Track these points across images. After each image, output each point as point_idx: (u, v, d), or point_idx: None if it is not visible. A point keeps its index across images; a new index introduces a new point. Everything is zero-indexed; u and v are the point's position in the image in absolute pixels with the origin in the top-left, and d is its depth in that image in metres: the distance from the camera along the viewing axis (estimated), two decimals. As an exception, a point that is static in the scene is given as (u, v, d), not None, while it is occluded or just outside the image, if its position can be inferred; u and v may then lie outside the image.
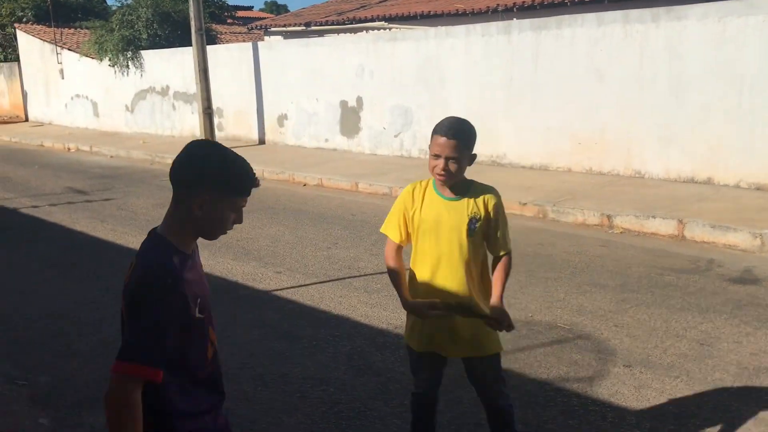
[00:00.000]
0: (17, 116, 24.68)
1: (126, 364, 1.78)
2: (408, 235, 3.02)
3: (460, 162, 2.82)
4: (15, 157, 15.91)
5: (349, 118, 13.26)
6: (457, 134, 2.81)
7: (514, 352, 4.58)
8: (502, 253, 2.98)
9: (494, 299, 2.93)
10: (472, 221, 2.88)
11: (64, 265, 7.09)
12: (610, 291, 5.62)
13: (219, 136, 15.22)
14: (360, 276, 6.28)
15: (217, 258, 6.97)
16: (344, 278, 6.24)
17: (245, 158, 2.08)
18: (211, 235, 2.05)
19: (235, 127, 15.80)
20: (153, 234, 1.99)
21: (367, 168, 11.31)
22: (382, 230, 3.10)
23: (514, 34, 10.56)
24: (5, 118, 24.70)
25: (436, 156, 2.84)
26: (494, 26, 10.85)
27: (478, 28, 11.04)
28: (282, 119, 14.67)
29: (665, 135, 9.18)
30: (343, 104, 13.31)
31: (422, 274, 2.99)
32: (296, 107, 14.31)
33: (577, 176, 9.83)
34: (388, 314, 5.32)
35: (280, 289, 6.03)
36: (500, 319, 2.87)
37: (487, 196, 2.92)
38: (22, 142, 18.67)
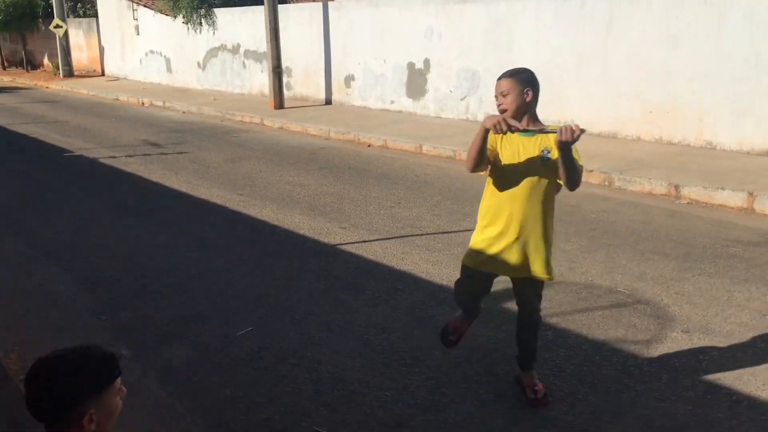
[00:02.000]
0: (94, 70, 25.52)
1: None
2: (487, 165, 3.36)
3: (511, 95, 3.21)
4: (93, 109, 16.53)
5: (416, 80, 13.28)
6: (505, 74, 3.27)
7: (572, 313, 4.66)
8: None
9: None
10: (544, 152, 3.24)
11: (140, 212, 7.45)
12: (672, 260, 5.61)
13: (287, 95, 15.45)
14: (422, 235, 6.42)
15: (285, 213, 7.21)
16: (407, 236, 6.39)
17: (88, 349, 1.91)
18: (109, 430, 1.88)
19: (302, 87, 16.02)
20: None
21: (432, 131, 11.37)
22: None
23: (587, -2, 10.36)
24: (83, 72, 25.58)
25: (496, 97, 3.29)
26: (567, -10, 10.65)
27: (551, -9, 10.87)
28: (349, 80, 14.80)
29: (741, 106, 8.92)
30: (410, 66, 13.33)
31: (494, 201, 3.43)
32: (363, 68, 14.39)
33: (646, 145, 9.67)
34: (449, 272, 5.45)
35: (345, 244, 6.23)
36: (571, 131, 3.05)
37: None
38: (99, 96, 19.35)
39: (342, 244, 6.22)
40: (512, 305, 4.80)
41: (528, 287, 3.52)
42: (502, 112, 3.23)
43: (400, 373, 3.97)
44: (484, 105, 11.87)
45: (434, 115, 12.81)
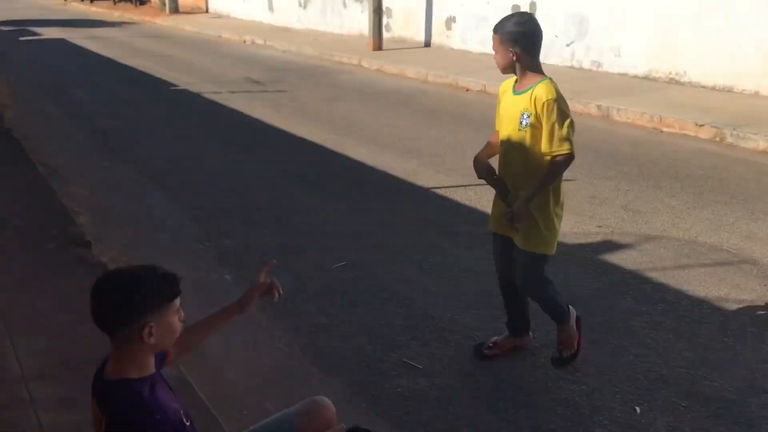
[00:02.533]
0: (199, 7, 26.06)
1: None
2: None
3: (498, 54, 3.10)
4: (197, 45, 16.96)
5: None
6: (495, 28, 3.10)
7: (672, 269, 4.53)
8: (548, 155, 3.06)
9: (521, 197, 3.13)
10: (523, 116, 3.08)
11: (243, 147, 7.68)
12: (785, 221, 5.34)
13: (386, 36, 15.35)
14: (519, 182, 6.33)
15: (380, 154, 7.26)
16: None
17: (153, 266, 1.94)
18: (167, 346, 1.97)
19: (402, 28, 15.85)
20: (116, 383, 1.85)
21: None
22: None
23: (711, -60, 9.70)
24: (188, 9, 26.17)
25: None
26: (689, -69, 9.99)
27: (671, -68, 10.22)
28: (450, 22, 14.53)
29: None
30: (515, 9, 12.93)
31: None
32: (465, 10, 14.08)
33: (764, 100, 9.10)
34: (546, 220, 5.38)
35: (440, 188, 6.23)
36: (512, 214, 3.12)
37: (537, 95, 3.03)
38: (203, 32, 19.79)
39: (436, 188, 6.23)
40: (609, 255, 4.72)
41: (517, 251, 3.29)
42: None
43: (492, 315, 3.99)
44: (591, 52, 11.43)
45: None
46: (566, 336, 3.40)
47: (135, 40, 17.71)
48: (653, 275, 4.44)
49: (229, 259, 4.79)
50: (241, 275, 4.54)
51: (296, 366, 3.58)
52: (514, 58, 3.08)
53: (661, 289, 4.27)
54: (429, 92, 10.82)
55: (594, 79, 10.74)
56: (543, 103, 3.01)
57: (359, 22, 17.01)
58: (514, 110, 3.13)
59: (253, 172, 6.73)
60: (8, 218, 5.04)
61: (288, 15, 20.15)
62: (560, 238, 4.96)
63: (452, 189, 6.17)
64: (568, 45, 11.95)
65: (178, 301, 1.91)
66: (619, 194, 5.95)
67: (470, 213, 5.59)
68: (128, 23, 22.70)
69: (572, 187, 6.14)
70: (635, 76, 10.70)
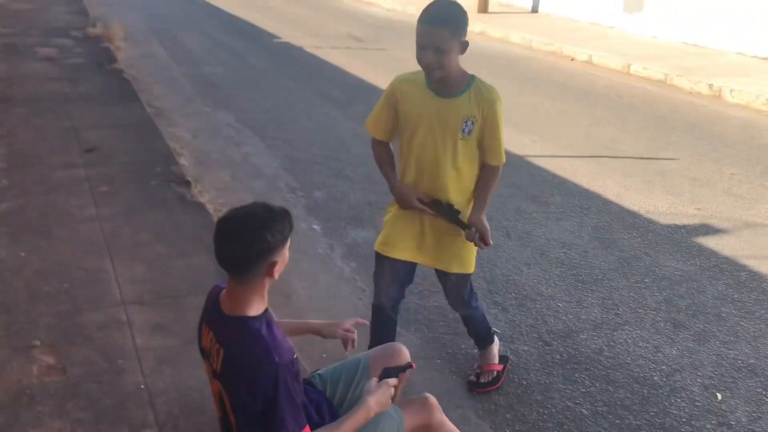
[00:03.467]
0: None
1: None
2: (391, 132, 2.79)
3: (449, 53, 2.49)
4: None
5: (632, -4, 12.36)
6: (444, 21, 2.47)
7: (773, 259, 4.34)
8: (492, 164, 2.72)
9: (474, 211, 2.71)
10: (466, 123, 2.61)
11: (341, 101, 7.76)
12: None
13: (491, 1, 15.05)
14: (618, 157, 6.16)
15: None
16: (601, 156, 6.16)
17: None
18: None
19: (508, -7, 15.49)
20: (235, 319, 1.91)
21: (644, 50, 10.61)
22: (366, 125, 2.85)
23: None
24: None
25: (422, 47, 2.50)
26: None
27: None
28: (559, -11, 14.08)
29: None
30: (629, -21, 12.40)
31: (408, 173, 2.75)
32: (576, -22, 13.61)
33: None
34: (642, 198, 5.23)
35: (534, 156, 6.13)
36: (479, 232, 2.65)
37: (487, 99, 2.61)
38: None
39: (530, 156, 6.13)
40: (704, 239, 4.56)
41: (450, 276, 2.92)
42: (428, 69, 2.53)
43: (576, 288, 3.94)
44: (708, 28, 10.86)
45: (650, 35, 11.92)
46: (488, 361, 3.13)
47: (243, -9, 18.04)
48: (750, 263, 4.26)
49: (318, 210, 4.90)
50: (329, 226, 4.64)
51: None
52: (460, 54, 2.56)
53: (757, 277, 4.09)
54: (532, 59, 10.58)
55: (708, 57, 10.21)
56: (494, 109, 2.61)
57: (465, -16, 16.69)
58: (447, 115, 2.61)
59: (347, 127, 6.81)
60: (117, 154, 5.32)
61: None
62: (654, 217, 4.88)
63: (547, 158, 6.06)
64: (684, 19, 11.38)
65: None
66: (722, 178, 5.70)
67: (563, 184, 5.49)
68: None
69: (673, 166, 5.93)
70: (754, 56, 10.11)
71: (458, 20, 2.51)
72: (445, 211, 2.70)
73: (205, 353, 2.02)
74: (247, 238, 1.83)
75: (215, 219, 4.36)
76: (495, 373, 3.14)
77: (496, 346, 3.20)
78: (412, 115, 2.66)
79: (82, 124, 5.95)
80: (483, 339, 3.15)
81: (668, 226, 4.76)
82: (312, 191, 5.24)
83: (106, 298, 3.32)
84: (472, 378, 3.13)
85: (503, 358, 3.22)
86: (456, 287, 2.93)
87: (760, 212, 5.02)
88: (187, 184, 4.78)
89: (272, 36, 11.72)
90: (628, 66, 9.78)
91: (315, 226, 4.66)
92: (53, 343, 2.94)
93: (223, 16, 13.62)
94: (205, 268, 3.66)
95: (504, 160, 2.72)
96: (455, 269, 2.83)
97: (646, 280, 4.04)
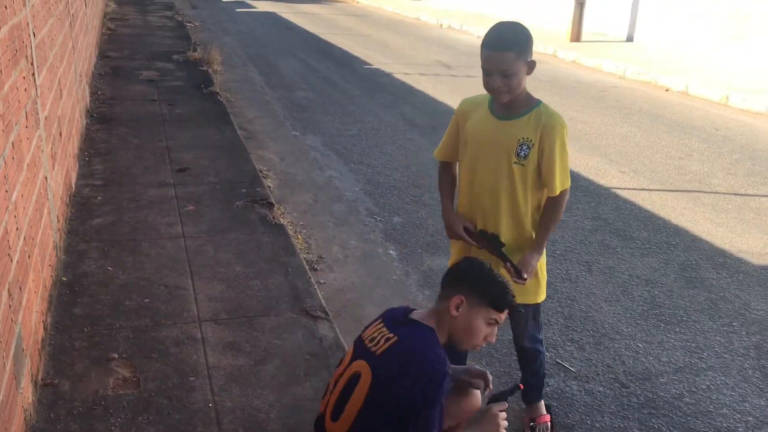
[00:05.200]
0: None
1: None
2: (452, 153, 2.81)
3: (515, 76, 2.45)
4: (394, 26, 17.38)
5: (738, 23, 11.88)
6: (508, 43, 2.44)
7: None
8: (554, 193, 2.60)
9: (528, 250, 2.63)
10: (522, 146, 2.55)
11: (426, 128, 7.79)
12: None
13: (586, 28, 14.81)
14: (710, 192, 5.90)
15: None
16: (692, 191, 5.92)
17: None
18: (461, 344, 2.19)
19: (604, 21, 15.20)
20: (419, 324, 2.14)
21: (746, 81, 10.18)
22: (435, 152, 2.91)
23: None
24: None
25: (488, 73, 2.47)
26: None
27: None
28: (656, 16, 13.70)
29: None
30: (735, 6, 11.93)
31: (463, 198, 2.75)
32: (675, 4, 13.21)
33: None
34: (734, 237, 4.98)
35: (621, 188, 5.95)
36: (520, 271, 2.57)
37: (546, 123, 2.53)
38: (402, 14, 20.24)
39: (618, 188, 5.95)
40: (804, 284, 4.27)
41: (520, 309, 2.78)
42: (495, 92, 2.52)
43: (658, 328, 3.78)
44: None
45: (754, 65, 11.41)
46: (538, 413, 2.98)
47: (337, 18, 18.49)
48: None
49: (396, 236, 4.91)
50: (406, 252, 4.64)
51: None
52: (528, 74, 2.53)
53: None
54: (624, 89, 10.32)
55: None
56: (553, 135, 2.53)
57: (559, 11, 16.56)
58: (504, 138, 2.58)
59: (430, 153, 6.75)
60: (206, 173, 5.51)
61: (487, 2, 20.06)
62: (747, 257, 4.63)
63: (635, 191, 5.88)
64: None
65: (495, 316, 2.17)
66: (826, 218, 5.36)
67: (650, 219, 5.30)
68: (333, 1, 23.72)
69: (766, 203, 5.62)
70: None
71: (523, 41, 2.48)
72: (490, 241, 2.64)
73: (357, 341, 2.18)
74: (470, 273, 2.20)
75: (294, 240, 4.45)
76: (548, 424, 3.00)
77: (542, 403, 3.04)
78: (470, 136, 2.67)
79: (177, 144, 6.21)
80: (536, 389, 3.00)
81: (761, 267, 4.51)
82: (391, 216, 5.26)
83: (184, 315, 3.42)
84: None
85: (548, 408, 3.06)
86: (521, 318, 2.82)
87: None
88: (270, 205, 4.90)
89: (363, 62, 11.92)
90: (727, 97, 9.39)
91: (391, 251, 4.67)
92: (130, 357, 3.05)
93: (318, 43, 13.98)
94: (280, 289, 3.72)
95: (560, 190, 2.60)
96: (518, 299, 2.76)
97: (734, 324, 3.82)
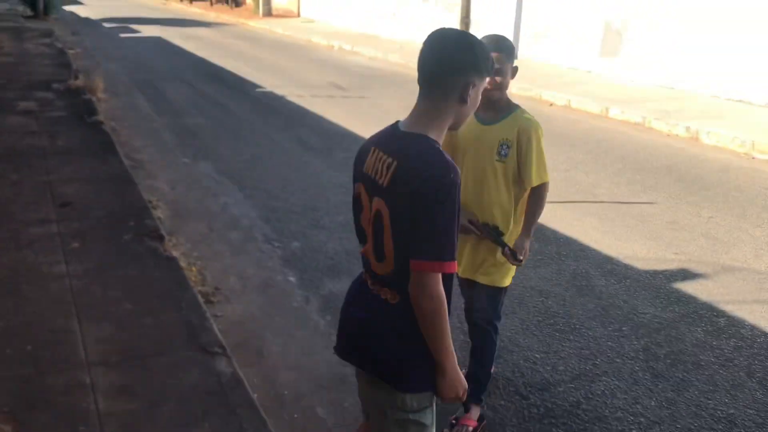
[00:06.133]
0: (291, 11, 26.64)
1: (437, 264, 1.82)
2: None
3: (505, 75, 2.86)
4: (286, 49, 17.33)
5: (611, 40, 12.58)
6: (500, 45, 2.83)
7: (750, 303, 4.32)
8: (531, 185, 2.97)
9: (519, 236, 3.02)
10: (502, 146, 2.93)
11: (321, 150, 7.78)
12: None
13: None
14: (596, 202, 6.17)
15: (456, 163, 7.19)
16: (580, 202, 6.16)
17: None
18: (461, 125, 2.01)
19: (489, 40, 15.74)
20: (414, 135, 1.91)
21: (622, 94, 10.76)
22: None
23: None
24: (281, 12, 26.80)
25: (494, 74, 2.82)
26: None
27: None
28: (539, 36, 14.32)
29: None
30: (607, 25, 12.64)
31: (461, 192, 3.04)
32: (555, 23, 13.86)
33: None
34: (620, 244, 5.21)
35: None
36: (516, 253, 2.96)
37: (523, 125, 2.92)
38: (294, 36, 20.21)
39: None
40: (682, 284, 4.53)
41: (483, 289, 3.12)
42: (488, 91, 2.80)
43: (553, 338, 3.89)
44: (685, 72, 11.04)
45: (627, 78, 12.11)
46: (468, 416, 3.10)
47: (227, 41, 18.25)
48: (729, 308, 4.23)
49: (295, 262, 4.85)
50: (305, 278, 4.59)
51: (350, 374, 3.58)
52: (512, 77, 2.94)
53: (736, 323, 4.06)
54: (511, 105, 10.67)
55: (685, 100, 10.36)
56: (529, 135, 2.89)
57: (446, 31, 16.97)
58: (487, 140, 2.94)
59: (327, 175, 6.80)
60: (91, 208, 5.26)
61: (377, 23, 20.35)
62: (632, 262, 4.86)
63: (525, 205, 6.06)
64: (660, 63, 11.58)
65: (488, 78, 2.03)
66: (700, 221, 5.71)
67: (541, 230, 5.45)
68: (223, 24, 23.43)
69: (651, 210, 5.94)
70: (729, 99, 10.26)
71: (510, 46, 2.89)
72: (491, 232, 2.98)
73: (363, 177, 1.98)
74: (455, 49, 1.90)
75: (187, 273, 4.31)
76: (471, 429, 3.07)
77: (478, 409, 3.14)
78: (458, 140, 2.99)
79: (59, 178, 5.91)
80: (478, 386, 3.07)
81: (646, 272, 4.74)
82: (289, 242, 5.19)
83: (71, 360, 3.23)
84: (445, 430, 3.06)
85: (480, 417, 3.15)
86: (481, 293, 3.10)
87: (737, 256, 5.02)
88: (161, 237, 4.73)
89: (255, 85, 11.81)
90: (607, 109, 9.90)
91: (291, 278, 4.60)
92: (12, 410, 2.84)
93: (207, 67, 13.73)
94: (174, 326, 3.58)
95: (537, 182, 2.94)
96: (483, 281, 3.05)
97: (624, 329, 3.99)
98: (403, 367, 1.97)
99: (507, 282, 3.11)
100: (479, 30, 15.72)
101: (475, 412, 3.13)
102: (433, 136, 1.90)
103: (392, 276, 1.93)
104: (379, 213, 1.91)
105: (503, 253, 2.96)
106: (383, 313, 1.98)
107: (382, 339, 1.99)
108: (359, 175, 2.01)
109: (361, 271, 2.13)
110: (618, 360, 3.68)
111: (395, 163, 1.87)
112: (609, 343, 3.85)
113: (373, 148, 1.97)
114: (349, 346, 2.11)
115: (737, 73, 10.20)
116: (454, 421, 3.09)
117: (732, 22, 10.30)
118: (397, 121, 1.99)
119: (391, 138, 1.96)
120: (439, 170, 1.82)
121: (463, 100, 1.91)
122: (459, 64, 1.89)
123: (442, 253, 1.82)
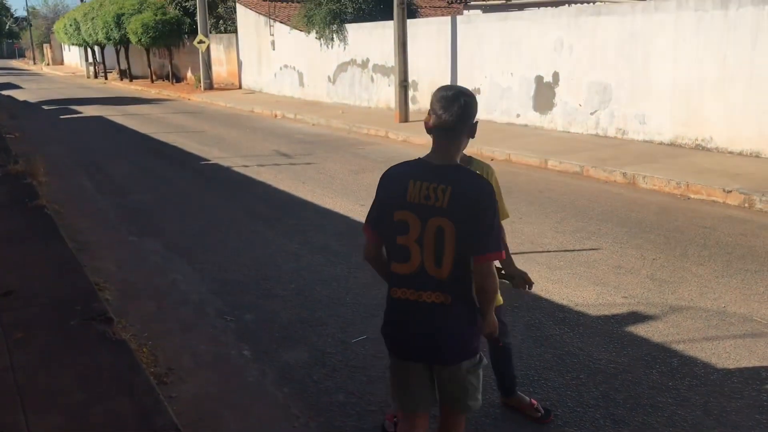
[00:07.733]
0: (232, 84, 26.90)
1: (497, 253, 2.47)
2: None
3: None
4: (229, 120, 17.42)
5: (543, 94, 13.04)
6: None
7: (701, 341, 4.40)
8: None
9: (510, 267, 3.46)
10: None
11: (270, 218, 7.76)
12: (819, 289, 5.18)
13: (412, 108, 15.62)
14: (543, 252, 6.28)
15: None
16: (527, 252, 6.26)
17: None
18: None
19: (428, 100, 16.09)
20: (453, 166, 2.54)
21: (559, 145, 11.11)
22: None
23: (731, 9, 9.78)
24: (222, 85, 27.03)
25: None
26: (710, 1, 10.12)
27: (691, 2, 10.34)
28: (475, 93, 14.74)
29: None
30: (538, 79, 13.11)
31: None
32: (490, 81, 14.31)
33: (793, 165, 8.99)
34: (570, 291, 5.30)
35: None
36: (525, 279, 3.41)
37: (483, 167, 3.39)
38: (236, 108, 20.37)
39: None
40: (634, 327, 4.60)
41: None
42: None
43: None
44: (616, 119, 11.47)
45: (562, 130, 12.52)
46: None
47: (170, 116, 18.27)
48: (680, 348, 4.31)
49: (248, 335, 4.77)
50: (260, 350, 4.51)
51: (311, 445, 3.51)
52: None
53: (689, 362, 4.14)
54: (454, 162, 10.88)
55: (618, 146, 10.74)
56: (491, 174, 3.38)
57: (386, 95, 17.39)
58: None
59: (277, 243, 6.78)
60: (35, 295, 5.12)
61: (318, 89, 20.69)
62: (584, 309, 4.93)
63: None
64: (592, 113, 12.02)
65: None
66: (645, 263, 5.85)
67: (493, 284, 5.53)
68: (164, 100, 23.49)
69: (597, 256, 6.07)
70: (661, 143, 10.68)
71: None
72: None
73: (409, 205, 2.50)
74: (471, 101, 2.59)
75: (138, 355, 4.20)
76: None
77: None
78: None
79: (0, 265, 5.74)
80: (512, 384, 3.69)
81: (598, 318, 4.82)
82: (242, 314, 5.12)
83: (18, 457, 3.09)
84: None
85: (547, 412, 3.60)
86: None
87: (683, 295, 5.15)
88: (109, 320, 4.61)
89: (200, 158, 11.80)
90: (546, 161, 10.18)
91: (245, 352, 4.52)
92: None
93: (150, 143, 13.69)
94: (127, 413, 3.46)
95: (503, 218, 3.28)
96: None
97: (581, 376, 4.02)
98: (469, 345, 2.60)
99: (500, 300, 3.35)
100: (418, 90, 16.19)
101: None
102: (459, 162, 2.58)
103: (446, 280, 2.49)
104: (441, 228, 2.46)
105: (515, 286, 3.40)
106: (444, 315, 2.53)
107: (454, 336, 2.56)
108: (403, 204, 2.52)
109: (393, 298, 2.62)
110: (579, 409, 3.69)
111: (450, 188, 2.46)
112: (568, 392, 3.87)
113: (411, 181, 2.52)
114: (418, 351, 2.63)
115: (664, 118, 10.67)
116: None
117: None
118: (420, 159, 2.60)
119: (429, 171, 2.52)
120: (485, 185, 2.51)
121: (472, 135, 2.61)
122: (472, 111, 2.57)
123: (500, 245, 2.50)
